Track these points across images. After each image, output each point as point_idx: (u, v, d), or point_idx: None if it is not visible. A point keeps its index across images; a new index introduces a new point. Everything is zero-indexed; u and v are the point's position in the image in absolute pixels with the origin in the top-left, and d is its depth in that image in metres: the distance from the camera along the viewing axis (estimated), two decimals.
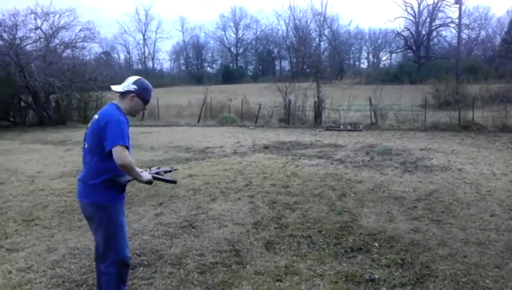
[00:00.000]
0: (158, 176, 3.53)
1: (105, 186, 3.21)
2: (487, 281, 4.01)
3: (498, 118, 17.06)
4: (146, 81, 3.44)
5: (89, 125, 3.32)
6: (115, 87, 3.39)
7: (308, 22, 31.84)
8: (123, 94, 3.35)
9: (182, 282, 4.10)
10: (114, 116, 3.18)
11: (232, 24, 77.93)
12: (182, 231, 5.51)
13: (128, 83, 3.35)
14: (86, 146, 3.30)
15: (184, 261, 4.57)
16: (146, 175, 3.31)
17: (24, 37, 23.07)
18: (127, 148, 3.11)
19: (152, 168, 3.63)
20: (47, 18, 23.64)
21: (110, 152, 3.07)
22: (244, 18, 77.77)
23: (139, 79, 3.41)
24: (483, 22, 61.54)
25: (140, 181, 3.27)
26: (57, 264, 4.54)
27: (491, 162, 9.91)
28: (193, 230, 5.56)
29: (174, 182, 3.67)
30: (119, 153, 3.05)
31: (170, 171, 3.77)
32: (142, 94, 3.37)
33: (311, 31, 32.16)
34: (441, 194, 7.12)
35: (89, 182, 3.23)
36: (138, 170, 3.24)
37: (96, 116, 3.28)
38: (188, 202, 6.92)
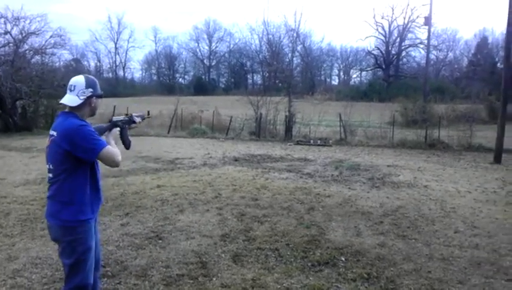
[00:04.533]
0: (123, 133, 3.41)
1: (75, 202, 2.96)
2: None
3: (463, 137, 17.51)
4: (90, 76, 3.14)
5: (48, 144, 3.01)
6: (69, 101, 3.00)
7: (282, 38, 32.10)
8: (81, 104, 3.02)
9: None
10: (75, 125, 2.90)
11: (205, 36, 78.00)
12: (148, 242, 5.43)
13: (81, 89, 3.01)
14: (51, 167, 2.99)
15: (149, 273, 4.50)
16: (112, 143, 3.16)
17: None
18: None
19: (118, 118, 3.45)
20: (17, 23, 23.16)
21: (76, 166, 2.93)
22: (218, 31, 78.00)
23: (87, 78, 3.07)
24: (451, 43, 63.34)
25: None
26: (17, 274, 4.41)
27: (455, 180, 10.13)
28: (160, 241, 5.49)
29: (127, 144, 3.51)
30: (106, 158, 2.94)
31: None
32: (98, 92, 3.10)
33: (284, 47, 32.41)
34: (407, 210, 7.23)
35: (58, 199, 2.97)
36: (112, 144, 3.13)
37: (53, 133, 2.96)
38: (155, 212, 6.83)
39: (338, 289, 4.16)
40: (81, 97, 3.00)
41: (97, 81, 3.13)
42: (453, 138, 17.72)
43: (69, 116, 2.98)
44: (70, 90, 3.02)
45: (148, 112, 3.85)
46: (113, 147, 3.05)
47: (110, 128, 3.30)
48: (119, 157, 3.02)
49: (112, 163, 2.98)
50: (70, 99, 3.00)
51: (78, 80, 3.04)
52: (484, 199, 8.22)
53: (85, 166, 3.00)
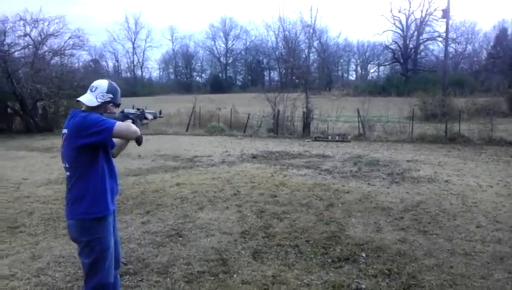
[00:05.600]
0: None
1: (93, 197, 2.96)
2: None
3: (484, 130, 17.24)
4: (114, 83, 3.16)
5: (62, 142, 3.02)
6: (86, 100, 3.00)
7: (298, 34, 31.95)
8: (97, 106, 3.02)
9: None
10: (81, 117, 2.88)
11: (221, 34, 78.16)
12: (169, 240, 5.48)
13: (101, 92, 3.03)
14: (67, 165, 2.99)
15: (171, 270, 4.54)
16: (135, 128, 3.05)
17: (12, 44, 22.95)
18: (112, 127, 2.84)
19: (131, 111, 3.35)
20: (36, 25, 23.53)
21: (92, 163, 2.93)
22: (234, 28, 78.11)
23: (110, 84, 3.10)
24: (469, 36, 62.43)
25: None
26: (41, 272, 4.49)
27: (477, 174, 10.00)
28: (180, 239, 5.53)
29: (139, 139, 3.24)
30: (123, 131, 2.88)
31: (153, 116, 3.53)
32: (117, 100, 3.14)
33: (300, 43, 32.27)
34: (428, 205, 7.16)
35: (76, 196, 2.95)
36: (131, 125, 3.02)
37: (65, 131, 2.96)
38: (176, 210, 6.88)
39: (359, 285, 4.14)
40: (99, 100, 3.02)
41: (119, 91, 3.17)
42: (474, 131, 17.46)
43: (78, 113, 2.96)
44: (91, 91, 3.04)
45: (160, 111, 3.74)
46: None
47: (122, 120, 3.17)
48: (135, 127, 2.98)
49: (131, 134, 2.95)
50: (88, 99, 3.01)
51: (101, 83, 3.08)
52: (506, 193, 8.10)
53: (100, 159, 2.99)
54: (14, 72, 21.73)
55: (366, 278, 4.33)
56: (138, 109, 3.44)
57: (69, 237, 3.16)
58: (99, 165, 2.99)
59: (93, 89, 3.04)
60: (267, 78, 74.77)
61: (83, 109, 3.05)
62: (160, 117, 3.68)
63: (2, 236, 5.68)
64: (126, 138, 3.04)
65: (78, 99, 3.04)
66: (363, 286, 4.12)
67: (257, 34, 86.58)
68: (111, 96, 3.07)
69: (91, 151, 2.94)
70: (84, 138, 2.85)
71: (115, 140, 3.17)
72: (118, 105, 3.18)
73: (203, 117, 23.96)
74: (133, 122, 3.21)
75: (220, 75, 76.62)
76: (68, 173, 3.01)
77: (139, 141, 3.22)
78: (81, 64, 35.80)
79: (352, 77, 77.18)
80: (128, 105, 3.57)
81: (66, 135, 2.97)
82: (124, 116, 3.24)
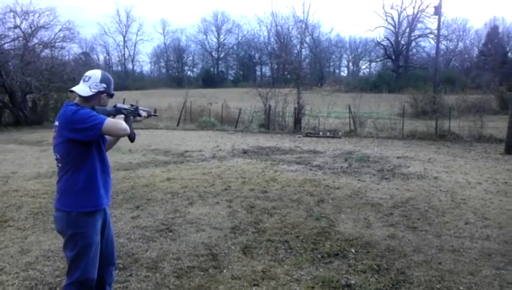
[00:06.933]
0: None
1: (83, 192, 2.95)
2: (461, 288, 4.06)
3: (474, 128, 17.36)
4: (107, 73, 3.14)
5: (53, 134, 3.01)
6: (80, 91, 2.98)
7: (290, 29, 31.87)
8: (90, 96, 3.01)
9: (157, 286, 4.07)
10: (71, 111, 2.85)
11: (213, 28, 78.03)
12: (159, 235, 5.46)
13: (95, 82, 3.01)
14: (58, 156, 2.97)
15: (160, 265, 4.53)
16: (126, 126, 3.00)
17: (2, 36, 22.69)
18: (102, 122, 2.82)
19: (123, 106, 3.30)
20: (26, 17, 23.32)
21: (83, 157, 2.91)
22: (226, 23, 78.00)
23: (104, 74, 3.08)
24: (461, 33, 62.87)
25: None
26: (30, 266, 4.46)
27: (466, 171, 10.07)
28: (170, 234, 5.52)
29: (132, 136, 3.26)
30: (113, 128, 2.84)
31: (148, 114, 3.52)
32: (110, 90, 3.12)
33: (292, 38, 32.19)
34: (417, 202, 7.20)
35: (66, 190, 2.96)
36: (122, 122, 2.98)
37: (57, 123, 2.95)
38: (166, 205, 6.86)
39: (348, 281, 4.16)
40: (93, 90, 3.00)
41: (112, 81, 3.15)
42: (464, 128, 17.57)
43: (70, 106, 2.93)
44: (84, 81, 3.02)
45: (155, 110, 3.71)
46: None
47: (114, 114, 3.16)
48: (125, 125, 2.95)
49: (120, 131, 2.91)
50: (81, 89, 3.00)
51: (95, 73, 3.07)
52: (495, 190, 8.17)
53: (92, 154, 2.98)
54: (3, 64, 21.50)
55: (355, 274, 4.35)
56: (132, 105, 3.41)
57: (55, 228, 3.15)
58: (90, 160, 2.98)
59: (87, 79, 3.02)
60: (258, 73, 74.78)
61: (76, 100, 3.03)
62: (154, 116, 3.66)
63: None
64: (115, 135, 3.01)
65: (72, 89, 3.03)
66: (353, 282, 4.13)
67: (249, 29, 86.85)
68: (104, 86, 3.05)
69: (83, 146, 2.92)
70: (73, 132, 2.84)
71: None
72: (111, 95, 3.17)
73: (195, 112, 23.90)
74: (126, 118, 3.20)
75: (212, 69, 76.47)
76: (60, 165, 3.00)
77: (131, 138, 3.23)
78: (71, 57, 35.55)
79: (344, 73, 77.58)
80: (119, 100, 3.54)
81: (57, 127, 2.96)
82: (117, 111, 3.21)
